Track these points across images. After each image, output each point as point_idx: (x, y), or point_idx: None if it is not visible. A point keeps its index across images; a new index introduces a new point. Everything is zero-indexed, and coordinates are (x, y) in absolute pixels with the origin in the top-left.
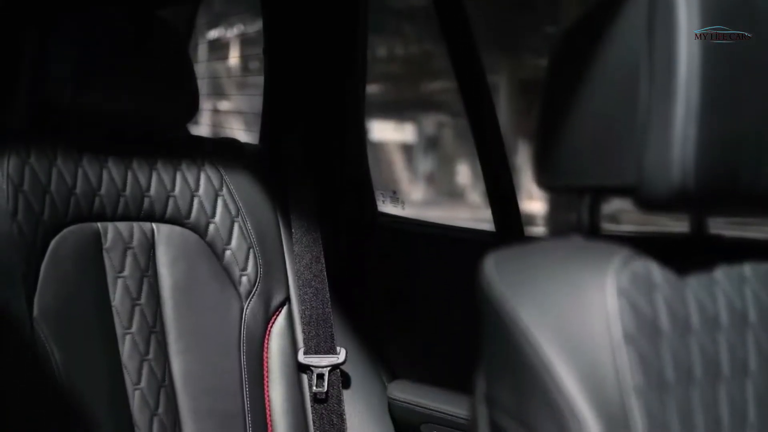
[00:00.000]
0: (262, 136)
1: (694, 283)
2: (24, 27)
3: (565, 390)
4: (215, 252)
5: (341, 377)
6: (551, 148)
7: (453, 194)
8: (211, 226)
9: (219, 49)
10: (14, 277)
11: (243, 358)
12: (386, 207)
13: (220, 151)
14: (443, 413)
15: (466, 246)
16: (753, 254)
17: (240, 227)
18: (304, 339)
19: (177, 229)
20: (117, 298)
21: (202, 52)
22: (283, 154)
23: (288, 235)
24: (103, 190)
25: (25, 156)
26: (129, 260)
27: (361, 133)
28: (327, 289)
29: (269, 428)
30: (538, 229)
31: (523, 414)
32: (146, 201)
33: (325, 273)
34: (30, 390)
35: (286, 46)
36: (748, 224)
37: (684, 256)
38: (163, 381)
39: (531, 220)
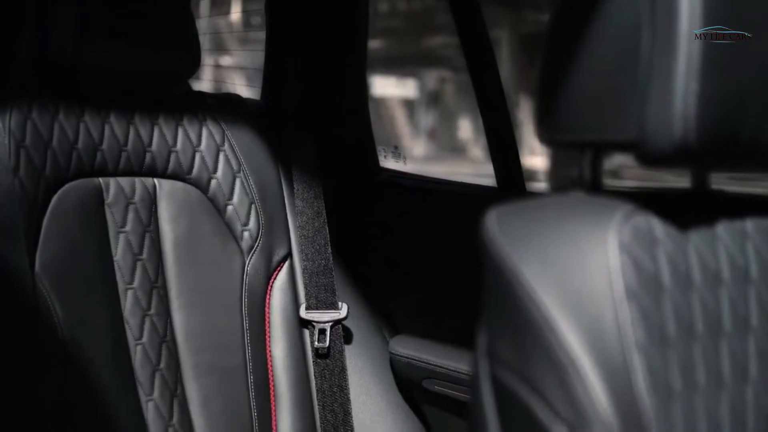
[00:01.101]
0: (264, 91)
1: (695, 238)
2: None
3: (566, 345)
4: (217, 207)
5: (343, 332)
6: (553, 103)
7: (455, 149)
8: (213, 182)
9: (221, 4)
10: (16, 232)
11: (244, 313)
12: (388, 162)
13: (222, 107)
14: (445, 368)
15: (468, 201)
16: (755, 210)
17: (242, 182)
18: (305, 294)
19: (179, 184)
20: (119, 253)
21: (203, 7)
22: (285, 110)
23: (290, 191)
24: (104, 145)
25: (27, 111)
26: (131, 215)
27: (363, 88)
28: (329, 244)
29: (270, 383)
30: (540, 185)
31: (525, 369)
32: (148, 156)
33: (327, 228)
34: (31, 345)
35: (288, 2)
36: (750, 179)
37: (686, 211)
38: (165, 336)
39: (533, 175)
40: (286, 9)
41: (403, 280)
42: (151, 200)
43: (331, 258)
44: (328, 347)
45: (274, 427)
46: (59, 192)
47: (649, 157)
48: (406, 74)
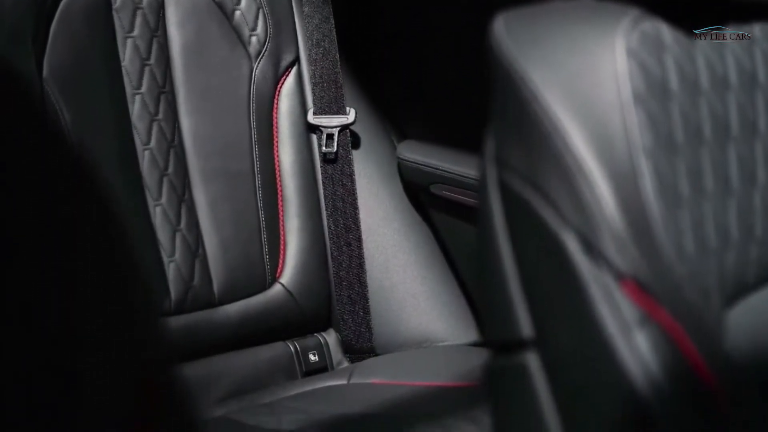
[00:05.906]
0: None
1: (703, 43)
2: None
3: (574, 150)
4: (225, 12)
5: (351, 137)
6: None
7: None
8: None
9: None
10: (24, 36)
11: (252, 118)
12: None
13: None
14: (453, 173)
15: (476, 6)
16: (763, 15)
17: None
18: (313, 99)
19: None
20: (126, 58)
21: None
22: None
23: None
24: None
25: None
26: (138, 20)
27: None
28: (336, 49)
29: (278, 188)
30: None
31: (533, 174)
32: None
33: (335, 33)
34: (39, 149)
35: None
36: None
37: (693, 16)
38: (173, 141)
39: None
40: None
41: (411, 84)
42: (159, 5)
43: (339, 63)
44: (336, 152)
45: (281, 232)
46: None
47: None
48: None
